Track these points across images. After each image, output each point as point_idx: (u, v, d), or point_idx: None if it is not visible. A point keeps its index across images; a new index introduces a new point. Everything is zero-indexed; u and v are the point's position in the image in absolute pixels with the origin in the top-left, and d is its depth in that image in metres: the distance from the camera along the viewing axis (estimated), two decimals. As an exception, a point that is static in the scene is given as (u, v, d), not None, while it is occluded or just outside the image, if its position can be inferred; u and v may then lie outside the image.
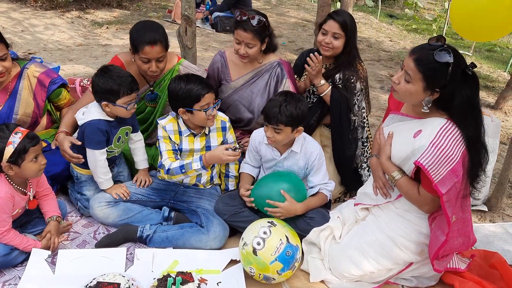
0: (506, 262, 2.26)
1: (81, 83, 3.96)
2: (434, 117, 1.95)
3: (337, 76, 2.85)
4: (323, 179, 2.55)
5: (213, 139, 2.58)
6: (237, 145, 2.42)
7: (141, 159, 2.71)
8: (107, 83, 2.36)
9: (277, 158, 2.56)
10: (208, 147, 2.58)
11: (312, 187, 2.55)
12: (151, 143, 2.95)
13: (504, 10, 2.49)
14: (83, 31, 7.10)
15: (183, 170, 2.45)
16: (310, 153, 2.51)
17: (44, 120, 2.94)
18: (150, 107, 2.90)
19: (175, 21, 7.85)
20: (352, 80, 2.83)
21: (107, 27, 7.38)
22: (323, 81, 2.81)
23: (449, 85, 1.84)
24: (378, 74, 6.03)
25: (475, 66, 1.86)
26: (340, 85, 2.86)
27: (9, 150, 2.05)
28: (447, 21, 8.24)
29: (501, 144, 4.01)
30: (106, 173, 2.53)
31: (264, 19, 2.71)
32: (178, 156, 2.56)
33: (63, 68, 4.81)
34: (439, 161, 1.85)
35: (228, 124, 2.64)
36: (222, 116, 2.63)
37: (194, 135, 2.55)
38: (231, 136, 2.67)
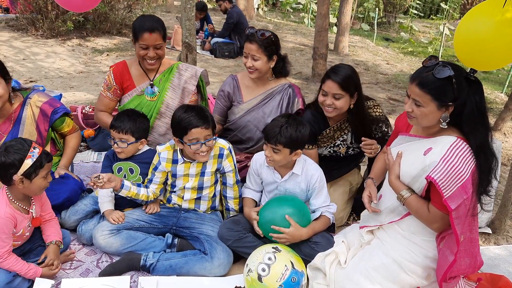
0: (513, 285, 2.24)
1: (83, 111, 3.99)
2: (444, 135, 1.98)
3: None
4: (325, 202, 2.55)
5: (209, 166, 2.57)
6: (99, 175, 2.37)
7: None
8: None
9: (278, 181, 2.56)
10: (202, 173, 2.57)
11: (314, 211, 2.55)
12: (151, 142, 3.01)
13: (509, 39, 2.52)
14: (83, 59, 7.19)
15: (129, 197, 2.54)
16: (311, 175, 2.52)
17: (47, 149, 2.94)
18: (150, 102, 3.00)
19: (174, 48, 7.96)
20: (383, 129, 2.82)
21: (108, 54, 7.48)
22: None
23: (460, 95, 1.88)
24: (377, 97, 6.09)
25: (475, 71, 1.90)
26: (374, 134, 2.83)
27: (27, 163, 2.08)
28: (442, 43, 8.37)
29: (503, 166, 4.02)
30: (107, 197, 2.61)
31: (271, 34, 2.81)
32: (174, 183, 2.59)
33: (64, 95, 4.85)
34: (449, 177, 1.87)
35: (226, 152, 2.57)
36: (221, 143, 2.58)
37: (191, 162, 2.55)
38: (228, 164, 2.60)
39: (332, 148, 2.89)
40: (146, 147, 2.77)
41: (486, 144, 1.92)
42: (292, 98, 2.96)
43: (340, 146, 2.88)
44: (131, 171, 2.68)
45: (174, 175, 2.57)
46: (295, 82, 3.30)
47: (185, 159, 2.52)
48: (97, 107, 3.10)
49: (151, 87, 2.97)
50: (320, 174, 2.54)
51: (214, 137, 2.48)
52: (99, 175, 2.36)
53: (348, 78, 2.58)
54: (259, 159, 2.63)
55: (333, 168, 2.91)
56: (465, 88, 1.88)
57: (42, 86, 4.00)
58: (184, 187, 2.57)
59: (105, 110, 3.06)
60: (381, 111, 2.87)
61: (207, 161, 2.55)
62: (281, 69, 2.97)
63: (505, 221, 3.03)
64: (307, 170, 2.53)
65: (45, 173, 2.16)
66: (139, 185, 2.57)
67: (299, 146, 2.42)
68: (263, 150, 2.53)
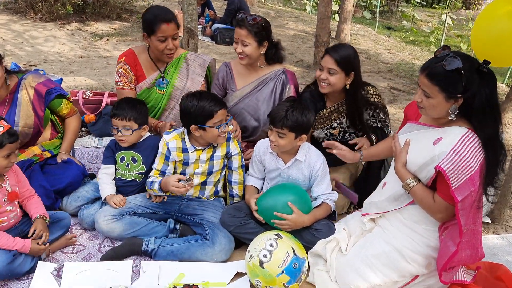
0: (512, 274, 2.26)
1: (84, 96, 3.97)
2: (454, 126, 1.97)
3: (365, 118, 2.83)
4: (327, 189, 2.56)
5: (218, 150, 2.59)
6: (192, 178, 2.43)
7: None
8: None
9: (281, 168, 2.57)
10: (212, 157, 2.58)
11: (315, 198, 2.56)
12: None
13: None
14: (83, 43, 7.13)
15: (150, 187, 2.51)
16: (314, 162, 2.53)
17: (48, 131, 2.94)
18: (159, 94, 2.98)
19: (175, 33, 7.90)
20: (381, 116, 2.84)
21: (107, 39, 7.42)
22: (374, 138, 2.79)
23: (470, 87, 1.86)
24: (378, 86, 6.03)
25: (489, 63, 1.87)
26: (371, 123, 2.86)
27: None
28: (444, 33, 8.33)
29: (503, 156, 4.03)
30: (107, 182, 2.64)
31: (262, 20, 2.78)
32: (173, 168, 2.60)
33: (64, 80, 4.82)
34: (458, 168, 1.87)
35: (232, 134, 2.65)
36: None
37: (202, 149, 2.56)
38: (235, 147, 2.65)
39: (328, 130, 2.90)
40: (147, 134, 2.76)
41: (495, 137, 1.91)
42: (285, 85, 2.93)
43: (336, 128, 2.89)
44: (134, 160, 2.68)
45: (185, 163, 2.57)
46: (296, 70, 3.28)
47: (195, 147, 2.53)
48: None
49: (162, 80, 2.94)
50: (323, 162, 2.55)
51: (230, 116, 2.57)
52: (190, 178, 2.41)
53: (345, 56, 2.64)
54: (262, 146, 2.63)
55: (330, 154, 2.91)
56: (476, 80, 1.85)
57: (43, 70, 3.98)
58: (194, 173, 2.58)
59: None
60: (380, 98, 2.87)
61: (217, 145, 2.57)
62: (273, 55, 2.93)
63: (504, 211, 3.04)
64: (310, 157, 2.54)
65: (5, 154, 2.13)
66: (154, 179, 2.57)
67: (305, 130, 2.42)
68: (258, 140, 2.56)
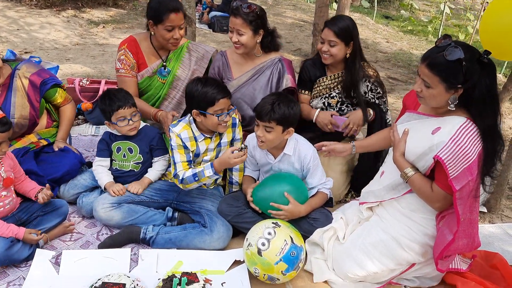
0: (507, 263, 2.29)
1: (80, 83, 3.95)
2: (453, 115, 1.97)
3: (363, 90, 2.86)
4: (321, 179, 2.55)
5: (225, 136, 2.59)
6: (243, 145, 2.38)
7: (150, 172, 2.70)
8: (101, 105, 2.60)
9: (271, 162, 2.56)
10: (219, 144, 2.59)
11: (310, 189, 2.56)
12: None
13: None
14: (79, 30, 7.07)
15: (196, 178, 2.42)
16: (304, 156, 2.51)
17: (43, 120, 2.92)
18: (160, 82, 2.96)
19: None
20: (378, 91, 2.88)
21: (104, 26, 7.36)
22: (371, 111, 2.85)
23: (470, 78, 1.85)
24: (376, 75, 6.05)
25: (490, 53, 1.86)
26: (370, 98, 2.89)
27: None
28: (442, 22, 8.31)
29: (499, 146, 4.04)
30: (103, 172, 2.65)
31: (257, 8, 2.74)
32: (192, 165, 2.55)
33: (61, 67, 4.79)
34: (457, 157, 1.87)
35: (237, 121, 2.64)
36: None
37: (210, 138, 2.55)
38: (238, 132, 2.66)
39: (327, 99, 2.92)
40: (142, 124, 2.74)
41: (494, 127, 1.91)
42: (281, 74, 2.90)
43: (335, 97, 2.91)
44: (130, 150, 2.66)
45: (196, 155, 2.56)
46: (294, 59, 3.25)
47: (204, 135, 2.52)
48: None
49: (164, 69, 2.91)
50: (313, 153, 2.53)
51: (234, 107, 2.55)
52: (244, 145, 2.37)
53: (344, 27, 2.73)
54: (251, 141, 2.61)
55: (325, 132, 2.92)
56: (477, 71, 1.84)
57: (38, 57, 3.95)
58: (202, 161, 2.57)
59: (135, 93, 2.90)
60: (377, 75, 2.91)
61: (223, 133, 2.57)
62: (269, 43, 2.89)
63: (500, 201, 3.06)
64: (299, 151, 2.52)
65: None
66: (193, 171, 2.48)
67: (292, 123, 2.41)
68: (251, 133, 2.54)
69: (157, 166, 2.70)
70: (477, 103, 1.89)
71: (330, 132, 2.86)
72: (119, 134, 2.65)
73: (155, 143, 2.69)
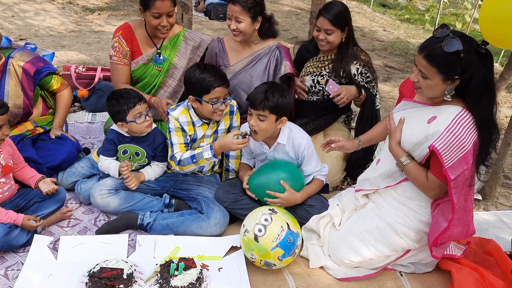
0: (501, 249, 2.31)
1: (76, 70, 3.93)
2: (449, 104, 1.97)
3: (353, 72, 2.87)
4: (316, 167, 2.56)
5: (222, 123, 2.60)
6: (248, 131, 2.37)
7: (148, 170, 2.66)
8: (114, 106, 2.49)
9: (266, 152, 2.57)
10: (216, 131, 2.59)
11: (307, 176, 2.57)
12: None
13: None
14: (74, 17, 7.00)
15: (194, 160, 2.42)
16: (298, 144, 2.51)
17: (39, 107, 2.90)
18: (156, 70, 2.94)
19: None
20: (368, 75, 2.89)
21: (99, 13, 7.29)
22: (362, 92, 2.85)
23: (467, 69, 1.84)
24: (373, 64, 6.04)
25: (487, 44, 1.85)
26: (359, 81, 2.89)
27: None
28: (439, 11, 8.28)
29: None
30: (110, 161, 2.59)
31: None
32: (188, 147, 2.56)
33: (56, 55, 4.76)
34: (452, 147, 1.88)
35: (235, 109, 2.63)
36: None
37: (208, 124, 2.55)
38: (235, 119, 2.66)
39: (316, 77, 2.93)
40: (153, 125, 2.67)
41: (490, 117, 1.91)
42: (279, 61, 2.89)
43: (324, 76, 2.92)
44: (137, 154, 2.61)
45: (193, 140, 2.56)
46: (291, 47, 3.23)
47: (202, 120, 2.52)
48: (118, 80, 2.90)
49: (159, 56, 2.89)
50: (307, 142, 2.53)
51: (232, 96, 2.53)
52: (247, 132, 2.36)
53: (338, 15, 2.76)
54: (245, 130, 2.60)
55: (318, 116, 2.94)
56: (474, 62, 1.83)
57: (34, 44, 3.92)
58: (198, 147, 2.58)
59: (126, 81, 2.90)
60: (369, 60, 2.94)
61: (221, 120, 2.57)
62: (267, 30, 2.88)
63: (495, 188, 3.09)
64: (293, 139, 2.52)
65: None
66: (191, 153, 2.47)
67: (285, 112, 2.40)
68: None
69: (156, 169, 2.66)
70: (474, 93, 1.88)
71: (324, 114, 2.90)
72: (127, 135, 2.58)
73: (160, 149, 2.65)
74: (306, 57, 3.03)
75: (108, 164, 2.56)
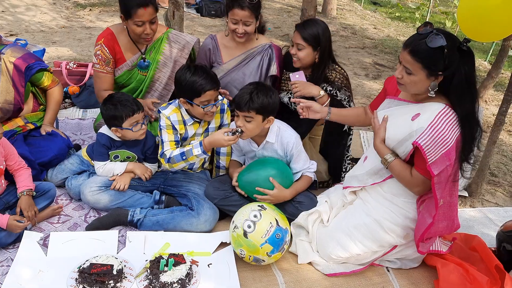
0: (486, 245, 2.35)
1: (67, 67, 3.92)
2: (433, 102, 2.01)
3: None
4: (305, 164, 2.59)
5: (213, 121, 2.61)
6: (239, 128, 2.38)
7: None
8: (110, 111, 2.46)
9: (255, 150, 2.59)
10: (207, 130, 2.61)
11: (295, 173, 2.59)
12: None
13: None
14: (65, 13, 6.96)
15: (184, 157, 2.43)
16: (286, 143, 2.53)
17: (30, 103, 2.89)
18: (141, 75, 2.91)
19: (159, 5, 7.75)
20: (334, 94, 2.74)
21: (90, 9, 7.25)
22: (322, 92, 2.68)
23: (450, 65, 1.88)
24: (363, 62, 6.09)
25: (469, 41, 1.89)
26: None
27: None
28: (430, 9, 8.34)
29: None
30: (114, 165, 2.58)
31: None
32: (179, 145, 2.57)
33: (47, 51, 4.73)
34: (435, 143, 1.92)
35: (226, 107, 2.65)
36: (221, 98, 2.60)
37: (199, 122, 2.56)
38: (226, 117, 2.67)
39: (292, 94, 2.80)
40: None
41: (472, 114, 1.95)
42: (271, 60, 2.90)
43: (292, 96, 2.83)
44: (128, 158, 2.63)
45: (184, 139, 2.57)
46: (281, 45, 3.25)
47: (194, 118, 2.53)
48: (100, 88, 2.87)
49: (144, 61, 2.85)
50: (296, 140, 2.54)
51: (222, 97, 2.53)
52: (238, 129, 2.35)
53: (312, 33, 2.66)
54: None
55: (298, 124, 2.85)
56: (456, 59, 1.87)
57: (25, 40, 3.90)
58: (189, 144, 2.58)
59: (109, 88, 2.87)
60: (343, 79, 2.81)
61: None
62: (260, 27, 2.90)
63: (481, 185, 3.14)
64: (282, 138, 2.54)
65: None
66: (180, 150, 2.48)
67: (271, 112, 2.42)
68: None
69: None
70: (456, 90, 1.92)
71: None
72: (118, 139, 2.57)
73: (150, 151, 2.65)
74: (288, 68, 2.93)
75: (111, 167, 2.55)
